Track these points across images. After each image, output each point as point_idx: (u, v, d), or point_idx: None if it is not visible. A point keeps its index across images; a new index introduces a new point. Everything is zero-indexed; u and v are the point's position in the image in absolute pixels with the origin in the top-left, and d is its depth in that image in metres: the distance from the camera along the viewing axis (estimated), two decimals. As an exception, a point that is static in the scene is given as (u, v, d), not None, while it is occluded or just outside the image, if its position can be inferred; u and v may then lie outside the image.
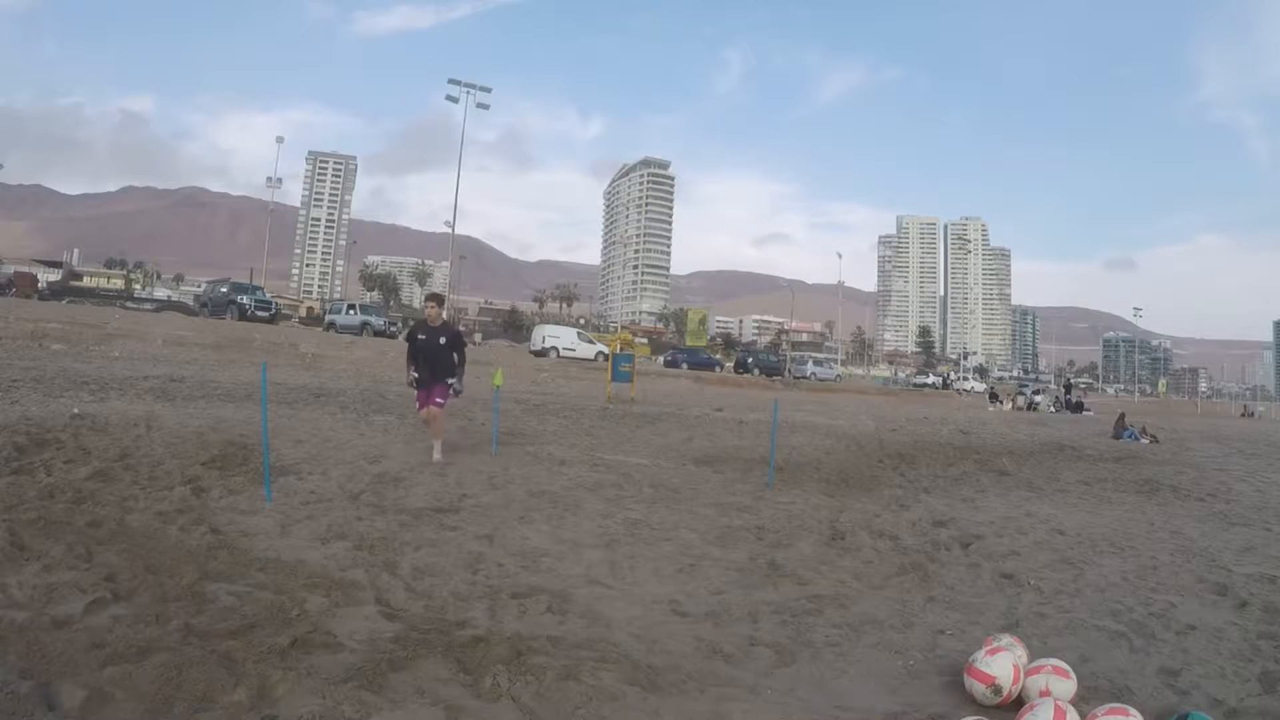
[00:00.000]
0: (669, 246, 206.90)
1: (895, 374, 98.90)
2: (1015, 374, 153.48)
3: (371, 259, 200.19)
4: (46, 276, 56.27)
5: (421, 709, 2.29)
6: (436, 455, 6.76)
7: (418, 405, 7.11)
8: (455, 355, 7.01)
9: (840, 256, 78.40)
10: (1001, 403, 38.89)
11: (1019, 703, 2.62)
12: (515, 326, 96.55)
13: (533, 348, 36.90)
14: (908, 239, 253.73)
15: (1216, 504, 7.80)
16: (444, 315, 7.18)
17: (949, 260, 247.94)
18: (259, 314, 31.14)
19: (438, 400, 6.83)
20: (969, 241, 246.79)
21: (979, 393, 57.99)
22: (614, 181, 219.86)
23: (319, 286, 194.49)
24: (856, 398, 36.15)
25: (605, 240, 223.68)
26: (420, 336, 6.93)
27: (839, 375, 59.05)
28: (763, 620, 3.43)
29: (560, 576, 3.86)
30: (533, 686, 2.46)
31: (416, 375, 6.92)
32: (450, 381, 6.96)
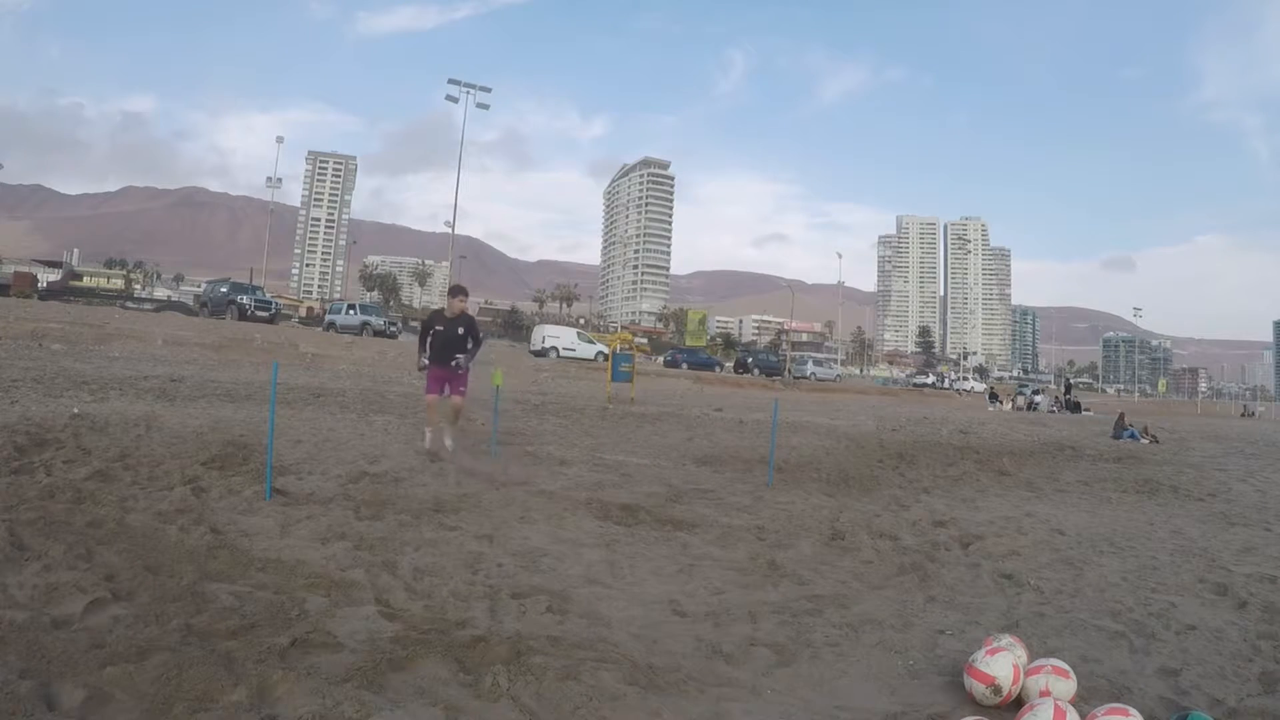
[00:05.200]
0: (669, 246, 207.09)
1: (867, 372, 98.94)
2: (1015, 374, 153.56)
3: (371, 259, 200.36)
4: (46, 276, 56.22)
5: (421, 709, 2.29)
6: (448, 442, 6.76)
7: (426, 391, 7.01)
8: (469, 342, 7.06)
9: (840, 256, 78.66)
10: (1001, 403, 38.91)
11: (1019, 703, 2.62)
12: (515, 326, 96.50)
13: (533, 348, 36.95)
14: (908, 239, 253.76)
15: (1216, 504, 7.80)
16: (466, 308, 7.20)
17: (949, 260, 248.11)
18: (259, 314, 31.13)
19: (461, 389, 6.90)
20: (969, 241, 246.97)
21: (979, 393, 58.00)
22: (614, 181, 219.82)
23: (319, 286, 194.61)
24: (856, 398, 36.14)
25: (605, 240, 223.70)
26: (438, 327, 6.95)
27: (839, 375, 59.05)
28: (763, 620, 3.43)
29: (560, 576, 3.86)
30: (533, 686, 2.46)
31: (428, 361, 6.92)
32: (458, 358, 6.91)
